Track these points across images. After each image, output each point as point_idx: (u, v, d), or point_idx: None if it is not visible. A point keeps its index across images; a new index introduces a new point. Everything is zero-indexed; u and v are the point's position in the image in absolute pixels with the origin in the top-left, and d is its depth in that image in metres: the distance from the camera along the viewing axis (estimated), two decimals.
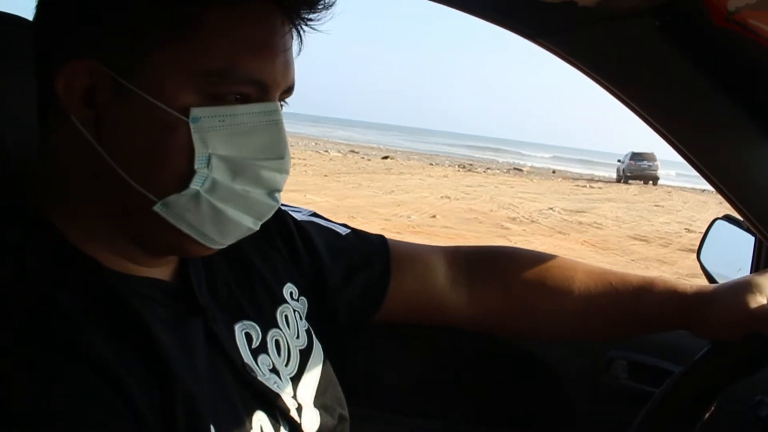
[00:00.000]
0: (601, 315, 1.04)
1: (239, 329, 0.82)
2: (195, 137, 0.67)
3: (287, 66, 0.73)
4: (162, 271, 0.77)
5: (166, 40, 0.67)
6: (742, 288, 0.96)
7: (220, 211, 0.70)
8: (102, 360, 0.62)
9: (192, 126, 0.67)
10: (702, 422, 0.94)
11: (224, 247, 0.75)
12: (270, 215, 0.75)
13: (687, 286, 1.02)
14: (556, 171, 36.50)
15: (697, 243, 1.70)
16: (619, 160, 32.39)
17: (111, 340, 0.65)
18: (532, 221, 12.72)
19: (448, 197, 15.36)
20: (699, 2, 0.96)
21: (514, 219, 12.73)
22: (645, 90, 1.15)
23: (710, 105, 1.14)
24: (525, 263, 1.07)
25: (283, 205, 0.99)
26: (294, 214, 0.99)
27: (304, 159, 22.24)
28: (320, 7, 0.72)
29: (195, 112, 0.67)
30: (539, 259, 1.07)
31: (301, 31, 0.74)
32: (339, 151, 30.06)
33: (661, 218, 15.47)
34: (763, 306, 0.93)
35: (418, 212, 12.26)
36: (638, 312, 1.03)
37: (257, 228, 0.75)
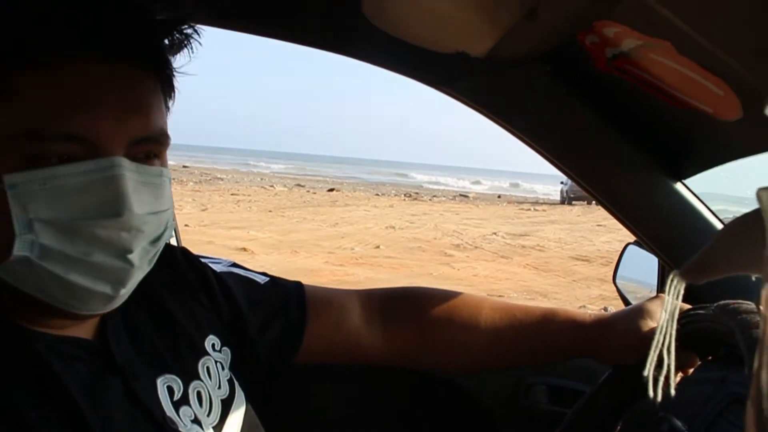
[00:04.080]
0: (507, 345, 1.11)
1: (161, 383, 0.84)
2: (12, 203, 0.66)
3: (126, 117, 0.70)
4: (85, 328, 0.79)
5: None
6: (634, 314, 1.03)
7: (62, 278, 0.69)
8: (14, 408, 0.65)
9: (9, 193, 0.66)
10: None
11: (106, 311, 0.75)
12: (131, 280, 0.73)
13: (586, 316, 1.09)
14: (501, 196, 36.97)
15: None
16: (562, 182, 32.88)
17: (30, 396, 0.68)
18: (476, 247, 12.83)
19: (393, 227, 15.39)
20: (582, 50, 1.03)
21: (458, 246, 12.82)
22: (543, 130, 1.22)
23: (604, 142, 1.21)
24: (434, 302, 1.12)
25: (202, 257, 1.03)
26: (213, 266, 1.02)
27: (249, 195, 22.05)
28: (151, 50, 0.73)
29: (8, 179, 0.66)
30: (447, 297, 1.13)
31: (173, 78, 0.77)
32: (285, 186, 29.87)
33: (603, 237, 15.74)
34: (653, 330, 1.00)
35: (362, 243, 12.25)
36: (542, 341, 1.09)
37: (118, 294, 0.73)
